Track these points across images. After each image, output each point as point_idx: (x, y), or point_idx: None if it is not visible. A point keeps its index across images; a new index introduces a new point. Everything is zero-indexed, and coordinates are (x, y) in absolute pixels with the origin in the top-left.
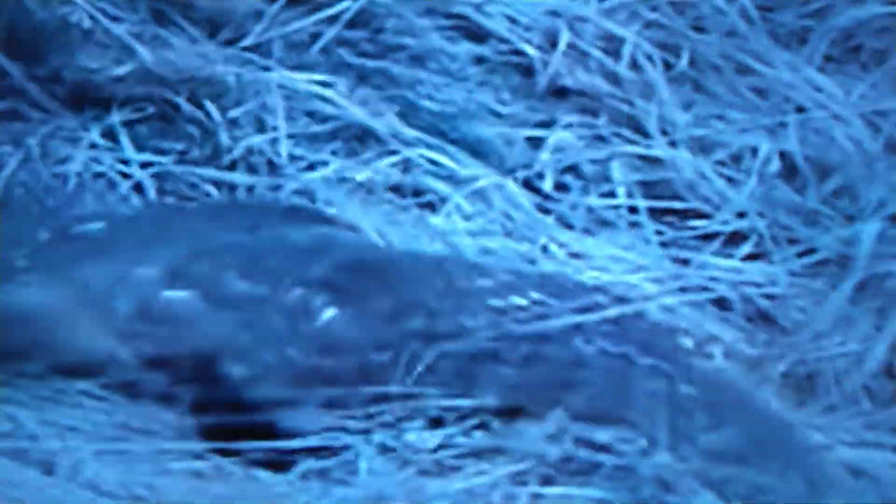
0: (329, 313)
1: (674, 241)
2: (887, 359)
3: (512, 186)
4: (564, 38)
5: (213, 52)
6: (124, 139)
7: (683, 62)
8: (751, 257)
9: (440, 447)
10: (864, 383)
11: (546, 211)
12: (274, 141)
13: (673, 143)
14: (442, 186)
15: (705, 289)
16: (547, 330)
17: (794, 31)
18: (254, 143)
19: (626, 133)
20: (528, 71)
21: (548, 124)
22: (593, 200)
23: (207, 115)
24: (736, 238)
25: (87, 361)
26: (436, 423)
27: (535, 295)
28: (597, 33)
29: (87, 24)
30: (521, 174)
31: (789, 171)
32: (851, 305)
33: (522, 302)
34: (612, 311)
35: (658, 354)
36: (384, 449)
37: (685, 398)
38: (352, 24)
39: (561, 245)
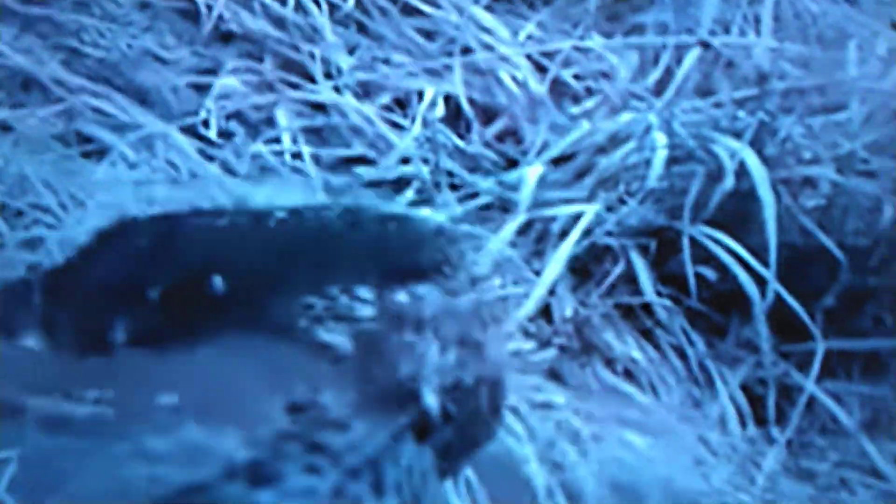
0: None
1: (339, 188)
2: (545, 302)
3: (176, 134)
4: None
5: None
6: None
7: (349, 4)
8: (414, 203)
9: None
10: (523, 326)
11: (211, 158)
12: None
13: (337, 89)
14: (106, 134)
15: None
16: None
17: None
18: None
19: (292, 78)
20: (193, 16)
21: (213, 70)
22: (258, 147)
23: None
24: (400, 184)
25: None
26: None
27: None
28: None
29: None
30: (186, 121)
31: (454, 114)
32: (512, 249)
33: None
34: None
35: None
36: None
37: None
38: None
39: (226, 192)
